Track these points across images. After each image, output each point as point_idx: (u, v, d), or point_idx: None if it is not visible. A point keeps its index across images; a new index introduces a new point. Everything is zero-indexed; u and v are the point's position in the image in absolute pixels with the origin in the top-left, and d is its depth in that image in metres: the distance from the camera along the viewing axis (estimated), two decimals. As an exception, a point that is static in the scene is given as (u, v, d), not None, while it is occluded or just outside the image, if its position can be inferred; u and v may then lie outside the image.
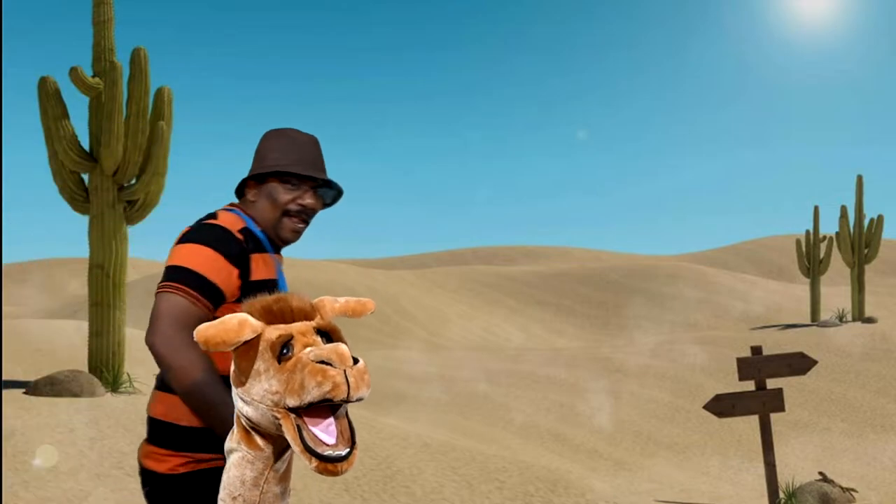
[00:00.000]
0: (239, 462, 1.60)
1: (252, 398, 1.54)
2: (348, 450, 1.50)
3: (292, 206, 2.24)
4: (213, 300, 2.11)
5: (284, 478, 1.63)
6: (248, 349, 1.55)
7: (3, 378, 7.75)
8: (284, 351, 1.51)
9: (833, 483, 7.80)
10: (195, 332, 1.52)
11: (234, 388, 1.59)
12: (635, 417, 12.09)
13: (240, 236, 2.19)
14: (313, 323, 1.58)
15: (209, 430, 2.03)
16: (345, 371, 1.46)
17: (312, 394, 1.45)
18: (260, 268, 2.20)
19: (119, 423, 6.69)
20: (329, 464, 1.47)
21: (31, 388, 7.33)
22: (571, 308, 31.71)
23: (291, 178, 2.25)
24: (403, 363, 15.45)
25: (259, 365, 1.53)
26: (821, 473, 8.03)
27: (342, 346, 1.49)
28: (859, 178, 23.16)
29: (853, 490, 7.95)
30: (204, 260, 2.10)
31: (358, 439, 1.55)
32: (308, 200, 2.26)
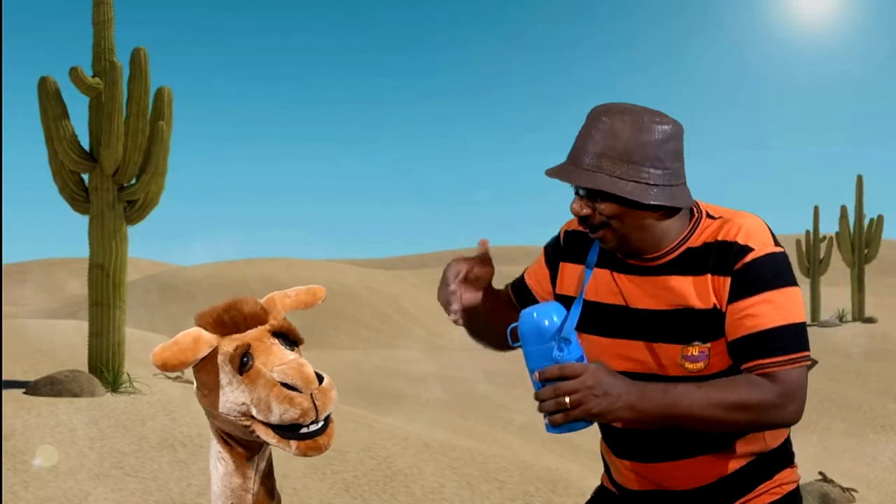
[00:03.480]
0: (224, 473, 1.59)
1: (219, 412, 1.52)
2: (322, 422, 1.49)
3: None
4: (523, 301, 1.91)
5: (269, 474, 1.63)
6: (206, 363, 1.53)
7: (3, 378, 7.75)
8: (245, 360, 1.50)
9: (833, 483, 7.79)
10: (152, 355, 1.48)
11: (200, 402, 1.58)
12: (635, 417, 12.09)
13: (562, 236, 1.87)
14: (267, 326, 1.55)
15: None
16: (312, 395, 1.45)
17: (280, 418, 1.45)
18: (563, 280, 1.84)
19: (119, 423, 6.70)
20: (310, 440, 1.47)
21: (31, 388, 7.33)
22: (571, 308, 31.68)
23: None
24: (403, 363, 15.44)
25: (221, 378, 1.51)
26: (821, 473, 8.03)
27: (306, 368, 1.47)
28: (859, 178, 23.15)
29: (853, 490, 7.94)
30: None
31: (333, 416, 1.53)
32: (573, 206, 1.71)
